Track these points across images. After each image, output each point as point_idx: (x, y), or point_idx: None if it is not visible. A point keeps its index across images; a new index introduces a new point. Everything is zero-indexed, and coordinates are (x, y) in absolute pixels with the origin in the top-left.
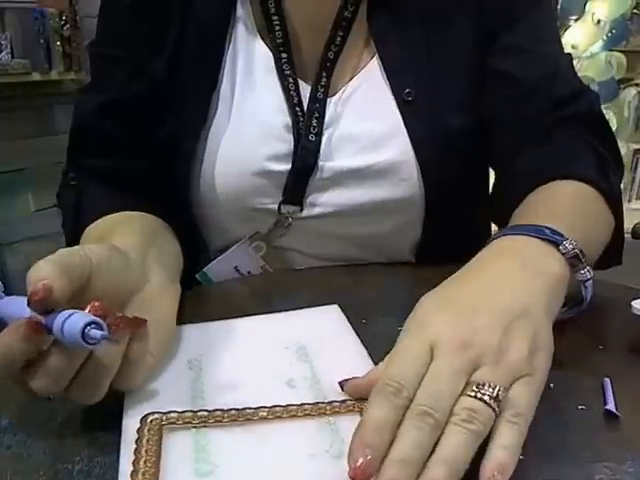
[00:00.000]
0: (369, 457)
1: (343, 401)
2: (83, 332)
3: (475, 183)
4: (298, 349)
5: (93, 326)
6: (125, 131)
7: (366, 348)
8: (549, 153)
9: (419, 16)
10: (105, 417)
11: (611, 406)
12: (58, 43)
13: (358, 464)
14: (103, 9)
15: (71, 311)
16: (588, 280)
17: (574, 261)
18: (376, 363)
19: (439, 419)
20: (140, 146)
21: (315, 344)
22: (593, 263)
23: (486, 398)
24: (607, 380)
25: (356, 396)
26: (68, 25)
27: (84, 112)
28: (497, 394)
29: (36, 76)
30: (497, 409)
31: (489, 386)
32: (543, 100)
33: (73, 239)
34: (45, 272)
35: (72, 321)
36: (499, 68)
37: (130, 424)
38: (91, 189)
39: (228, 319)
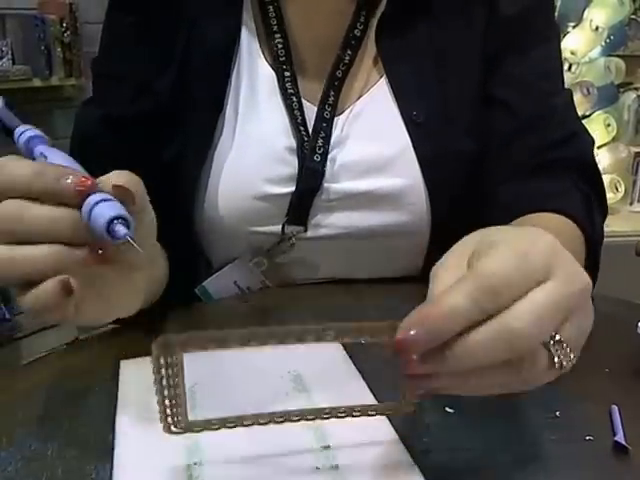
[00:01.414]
0: (425, 334)
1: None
2: (108, 226)
3: (480, 206)
4: (294, 378)
5: (120, 221)
6: (126, 149)
7: (363, 373)
8: (534, 187)
9: (428, 37)
10: (98, 451)
11: (620, 437)
12: (59, 49)
13: (411, 333)
14: (106, 25)
15: (103, 195)
16: None
17: None
18: (374, 393)
19: (522, 349)
20: (141, 165)
21: (311, 373)
22: None
23: (563, 363)
24: (615, 408)
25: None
26: (68, 32)
27: (85, 125)
28: (568, 363)
29: (37, 82)
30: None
31: (569, 352)
32: (535, 140)
33: None
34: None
35: (100, 210)
36: (499, 97)
37: (122, 453)
38: None
39: None
